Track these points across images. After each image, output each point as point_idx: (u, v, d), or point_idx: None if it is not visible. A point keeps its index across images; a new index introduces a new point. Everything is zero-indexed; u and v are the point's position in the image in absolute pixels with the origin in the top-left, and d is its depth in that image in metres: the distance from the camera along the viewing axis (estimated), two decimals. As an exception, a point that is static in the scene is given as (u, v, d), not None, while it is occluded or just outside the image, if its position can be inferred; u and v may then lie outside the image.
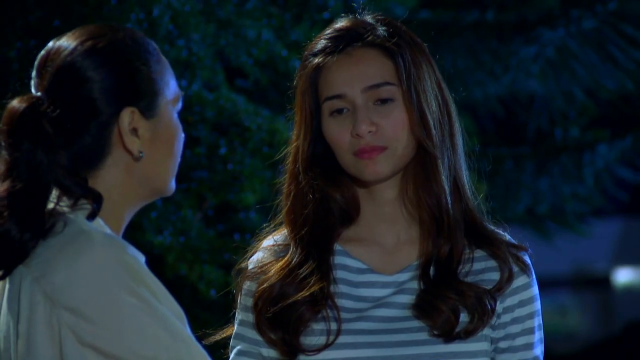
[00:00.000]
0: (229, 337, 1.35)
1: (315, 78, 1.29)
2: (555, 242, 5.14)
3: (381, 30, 1.29)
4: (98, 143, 1.00)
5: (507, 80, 4.68)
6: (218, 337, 1.36)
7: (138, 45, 1.03)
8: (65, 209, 0.98)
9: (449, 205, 1.28)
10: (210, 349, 1.36)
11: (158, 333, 0.93)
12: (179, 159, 1.06)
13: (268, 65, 3.28)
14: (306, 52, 1.32)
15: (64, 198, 0.98)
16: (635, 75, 4.65)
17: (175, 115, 1.05)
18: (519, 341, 1.29)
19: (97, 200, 0.99)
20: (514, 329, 1.29)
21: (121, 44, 1.01)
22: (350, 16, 1.34)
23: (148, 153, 1.01)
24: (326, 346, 1.25)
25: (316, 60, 1.29)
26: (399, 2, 3.77)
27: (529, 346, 1.30)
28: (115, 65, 1.01)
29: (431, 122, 1.27)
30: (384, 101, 1.27)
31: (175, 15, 3.02)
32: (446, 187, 1.28)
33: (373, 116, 1.26)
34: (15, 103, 0.98)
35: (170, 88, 1.04)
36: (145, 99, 1.01)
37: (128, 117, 1.00)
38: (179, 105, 1.06)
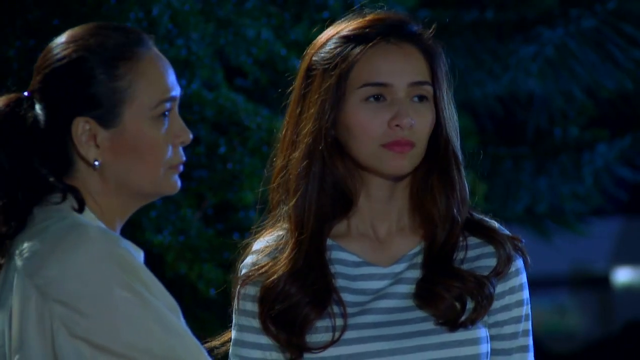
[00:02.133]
0: (223, 343, 1.34)
1: (355, 62, 1.28)
2: (554, 241, 5.15)
3: (420, 30, 1.31)
4: (63, 149, 1.02)
5: (507, 79, 4.69)
6: (217, 342, 1.35)
7: (110, 51, 1.03)
8: (47, 204, 1.00)
9: (462, 203, 1.29)
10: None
11: (151, 326, 0.93)
12: (159, 164, 1.05)
13: (267, 64, 3.29)
14: (340, 34, 1.29)
15: (43, 194, 1.01)
16: (635, 75, 4.66)
17: (149, 123, 1.04)
18: (507, 329, 1.29)
19: (74, 193, 1.00)
20: (502, 316, 1.29)
21: (87, 50, 1.02)
22: (381, 9, 1.34)
23: (112, 161, 1.02)
24: (332, 343, 1.24)
25: (363, 45, 1.27)
26: (398, 1, 3.77)
27: (515, 335, 1.30)
28: (71, 74, 1.02)
29: (456, 124, 1.30)
30: (421, 99, 1.28)
31: (174, 15, 3.02)
32: (463, 185, 1.29)
33: (411, 112, 1.26)
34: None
35: (147, 95, 1.04)
36: (103, 108, 1.02)
37: (81, 126, 1.01)
38: (163, 108, 1.05)
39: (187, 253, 3.16)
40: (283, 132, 1.33)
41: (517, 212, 4.89)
